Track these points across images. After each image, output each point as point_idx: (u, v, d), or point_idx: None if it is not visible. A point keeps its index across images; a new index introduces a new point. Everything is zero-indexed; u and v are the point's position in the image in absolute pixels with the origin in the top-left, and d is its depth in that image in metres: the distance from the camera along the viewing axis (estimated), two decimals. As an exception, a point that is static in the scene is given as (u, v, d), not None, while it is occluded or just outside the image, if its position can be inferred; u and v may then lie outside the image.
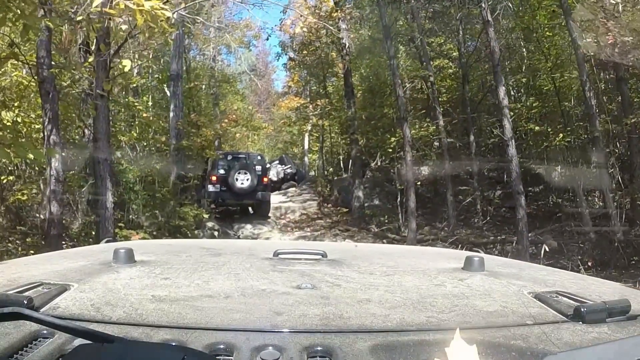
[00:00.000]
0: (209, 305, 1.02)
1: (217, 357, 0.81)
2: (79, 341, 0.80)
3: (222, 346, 0.83)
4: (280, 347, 0.82)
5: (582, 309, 0.96)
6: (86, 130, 9.59)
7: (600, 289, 1.28)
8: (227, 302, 1.05)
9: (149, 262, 1.39)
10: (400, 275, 1.39)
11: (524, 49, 15.00)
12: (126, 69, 5.99)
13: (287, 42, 19.81)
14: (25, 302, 0.87)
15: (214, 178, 14.14)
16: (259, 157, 15.81)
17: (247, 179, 13.97)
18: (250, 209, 15.37)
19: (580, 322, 0.95)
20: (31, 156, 3.10)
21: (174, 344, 0.82)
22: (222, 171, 14.19)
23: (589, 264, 8.41)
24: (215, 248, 1.85)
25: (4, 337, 0.82)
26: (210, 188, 14.08)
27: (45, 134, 6.48)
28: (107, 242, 2.06)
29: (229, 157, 14.84)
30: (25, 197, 7.68)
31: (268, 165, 21.65)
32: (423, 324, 0.94)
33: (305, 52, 18.53)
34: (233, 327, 0.91)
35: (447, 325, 0.93)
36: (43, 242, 6.97)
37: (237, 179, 13.95)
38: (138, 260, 1.39)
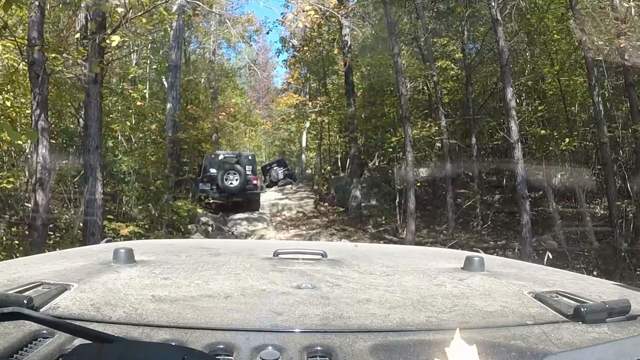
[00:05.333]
0: (209, 305, 1.02)
1: (217, 357, 0.80)
2: (79, 341, 0.80)
3: (222, 346, 0.83)
4: (280, 347, 0.82)
5: (582, 309, 0.96)
6: (81, 120, 9.33)
7: (600, 289, 1.27)
8: (227, 302, 1.05)
9: (149, 262, 1.39)
10: (400, 275, 1.39)
11: (528, 53, 14.83)
12: (113, 44, 5.70)
13: (288, 38, 19.59)
14: (25, 302, 0.87)
15: (205, 177, 14.67)
16: (250, 157, 16.13)
17: (237, 179, 14.62)
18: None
19: (580, 322, 0.95)
20: (7, 138, 2.82)
21: (174, 344, 0.81)
22: (213, 171, 14.72)
23: (594, 273, 8.20)
24: (215, 248, 1.84)
25: (4, 337, 0.82)
26: (202, 186, 14.54)
27: (33, 119, 6.19)
28: (107, 242, 2.06)
29: (220, 157, 15.31)
30: (10, 185, 7.36)
31: (272, 166, 24.23)
32: (423, 324, 0.94)
33: (306, 48, 18.32)
34: (233, 327, 0.91)
35: (447, 325, 0.93)
36: (27, 232, 6.68)
37: (226, 179, 14.57)
38: (138, 260, 1.38)
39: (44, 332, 0.85)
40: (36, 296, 0.95)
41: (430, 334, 0.90)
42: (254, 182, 15.13)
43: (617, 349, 0.73)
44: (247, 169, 14.89)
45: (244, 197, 14.91)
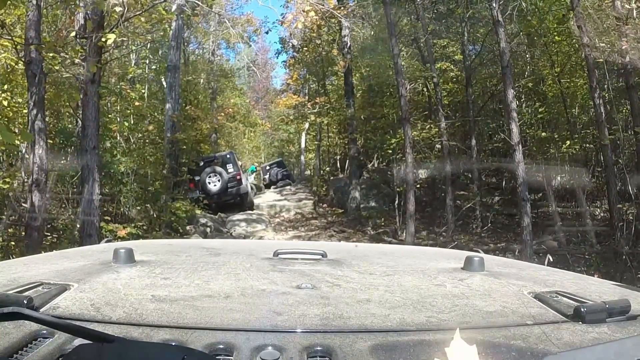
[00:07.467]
0: (209, 305, 1.02)
1: (217, 357, 0.80)
2: (79, 341, 0.79)
3: (222, 346, 0.83)
4: (280, 347, 0.82)
5: (582, 309, 0.96)
6: (79, 120, 9.27)
7: (600, 289, 1.27)
8: (227, 302, 1.05)
9: (149, 262, 1.39)
10: (400, 275, 1.39)
11: (528, 55, 14.79)
12: (109, 42, 5.64)
13: (287, 39, 19.54)
14: (25, 302, 0.87)
15: (192, 184, 15.01)
16: (228, 156, 16.22)
17: (218, 180, 14.96)
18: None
19: (580, 322, 0.95)
20: (1, 138, 2.77)
21: (174, 344, 0.81)
22: (197, 177, 15.03)
23: (595, 275, 8.15)
24: (215, 248, 1.84)
25: (4, 337, 0.82)
26: (190, 194, 14.82)
27: (30, 118, 6.12)
28: (107, 242, 2.07)
29: (201, 163, 15.50)
30: (7, 186, 7.30)
31: (271, 167, 25.52)
32: (423, 324, 0.94)
33: (305, 49, 18.27)
34: (233, 327, 0.91)
35: (447, 325, 0.93)
36: (24, 234, 6.61)
37: (209, 182, 14.94)
38: (138, 260, 1.38)
39: (44, 332, 0.85)
40: (36, 296, 0.95)
41: (430, 334, 0.91)
42: (238, 178, 15.33)
43: (617, 349, 0.73)
44: (227, 168, 15.19)
45: (230, 196, 15.23)
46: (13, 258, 2.05)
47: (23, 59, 6.40)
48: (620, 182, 10.82)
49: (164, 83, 16.58)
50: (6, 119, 7.59)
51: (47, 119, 7.36)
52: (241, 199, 15.64)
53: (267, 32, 22.58)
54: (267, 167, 26.13)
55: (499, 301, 1.09)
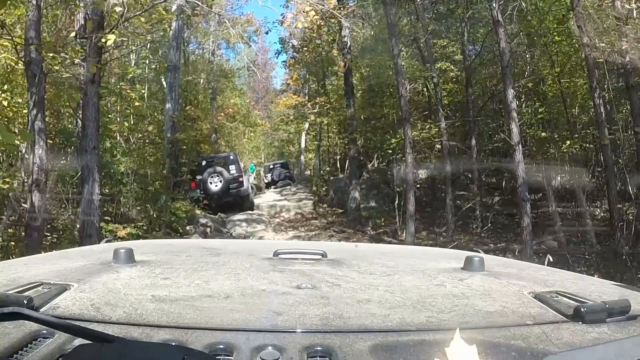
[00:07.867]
0: (209, 305, 1.02)
1: (217, 357, 0.80)
2: (79, 341, 0.79)
3: (222, 346, 0.83)
4: (280, 347, 0.82)
5: (582, 309, 0.96)
6: (79, 120, 9.27)
7: (600, 289, 1.26)
8: (227, 302, 1.06)
9: (149, 262, 1.39)
10: (400, 275, 1.39)
11: (528, 55, 14.79)
12: (109, 43, 5.65)
13: (287, 39, 19.54)
14: (25, 302, 0.87)
15: (193, 184, 15.01)
16: (231, 157, 16.29)
17: (220, 181, 15.03)
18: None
19: (580, 322, 0.95)
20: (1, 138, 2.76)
21: (174, 344, 0.81)
22: (198, 177, 15.06)
23: (595, 275, 8.14)
24: (215, 248, 1.84)
25: (4, 337, 0.82)
26: (191, 193, 14.86)
27: (30, 119, 6.12)
28: (107, 242, 2.07)
29: (203, 163, 15.54)
30: (7, 186, 7.29)
31: (275, 166, 25.98)
32: (423, 324, 0.94)
33: (305, 49, 18.28)
34: (233, 327, 0.91)
35: (447, 325, 0.93)
36: (24, 234, 6.60)
37: (211, 182, 14.97)
38: (138, 260, 1.38)
39: (44, 332, 0.85)
40: (36, 296, 0.95)
41: (430, 334, 0.91)
42: (240, 179, 15.40)
43: (617, 349, 0.73)
44: (230, 169, 15.24)
45: (231, 197, 15.29)
46: (13, 258, 2.06)
47: (23, 59, 6.40)
48: (620, 182, 10.82)
49: (164, 83, 16.59)
50: (6, 119, 7.58)
51: (47, 119, 7.37)
52: (242, 200, 15.70)
53: (267, 32, 22.65)
54: (271, 166, 26.49)
55: (499, 301, 1.09)
